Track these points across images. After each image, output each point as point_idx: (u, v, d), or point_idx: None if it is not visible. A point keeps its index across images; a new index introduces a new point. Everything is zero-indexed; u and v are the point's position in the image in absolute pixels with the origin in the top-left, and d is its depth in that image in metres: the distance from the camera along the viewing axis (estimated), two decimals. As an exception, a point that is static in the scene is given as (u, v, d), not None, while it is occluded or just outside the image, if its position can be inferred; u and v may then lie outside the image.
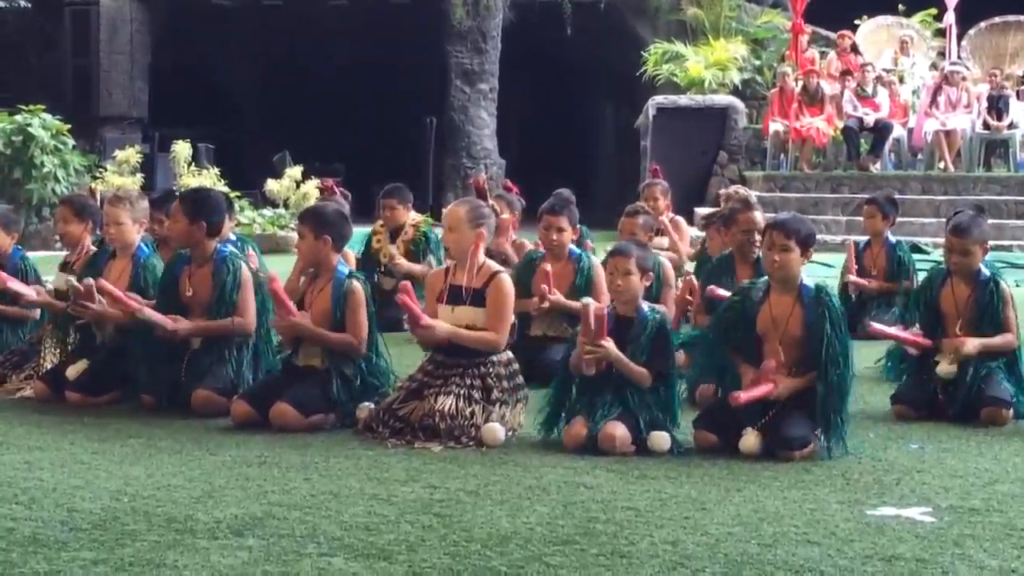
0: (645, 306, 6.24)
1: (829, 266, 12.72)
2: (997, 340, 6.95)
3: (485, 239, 6.54)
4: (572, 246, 8.27)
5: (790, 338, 6.08)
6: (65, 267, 7.92)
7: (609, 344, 6.03)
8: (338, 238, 6.77)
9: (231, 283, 7.01)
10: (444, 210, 6.76)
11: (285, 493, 5.18)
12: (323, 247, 6.70)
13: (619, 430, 5.95)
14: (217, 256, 7.09)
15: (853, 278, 9.95)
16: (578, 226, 8.44)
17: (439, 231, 10.48)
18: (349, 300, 6.66)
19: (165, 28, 22.74)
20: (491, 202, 8.30)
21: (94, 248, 7.84)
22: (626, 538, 4.59)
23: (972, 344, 6.88)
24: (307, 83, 26.05)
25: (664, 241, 10.78)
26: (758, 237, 7.48)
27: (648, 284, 6.31)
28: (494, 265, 6.58)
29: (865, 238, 10.41)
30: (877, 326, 7.40)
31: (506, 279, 6.50)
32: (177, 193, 7.55)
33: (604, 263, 6.71)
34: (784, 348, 6.09)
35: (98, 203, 8.56)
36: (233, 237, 8.50)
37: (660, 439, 6.01)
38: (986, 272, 7.07)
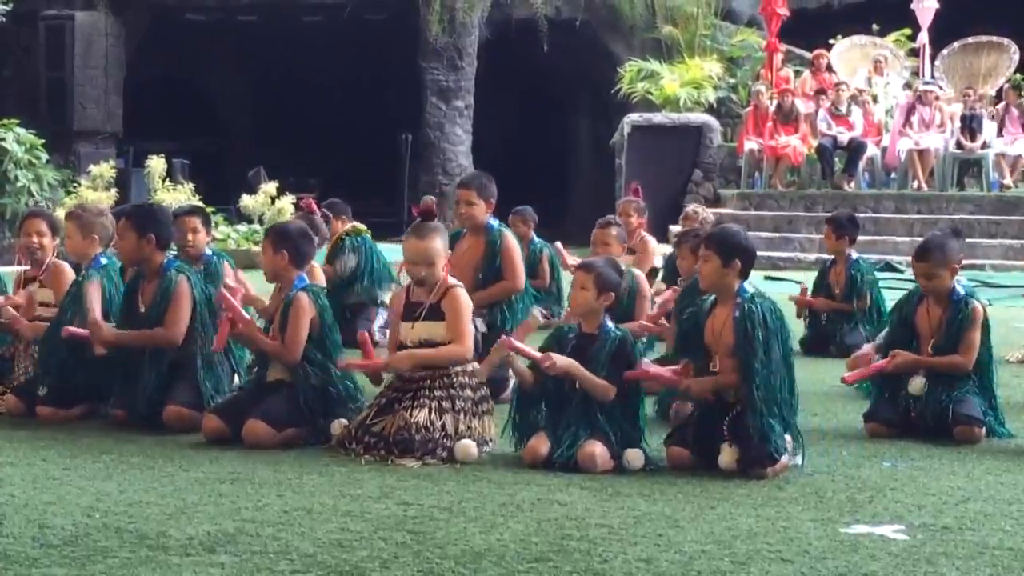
0: (609, 324, 6.25)
1: (799, 283, 12.74)
2: (943, 360, 6.93)
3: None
4: (492, 221, 8.09)
5: (726, 347, 6.11)
6: (30, 281, 7.83)
7: (558, 358, 6.04)
8: (296, 254, 6.78)
9: (168, 292, 7.01)
10: (403, 244, 6.72)
11: (258, 510, 5.16)
12: (280, 261, 6.76)
13: (598, 448, 5.93)
14: (163, 269, 7.11)
15: (803, 298, 10.11)
16: (493, 198, 8.15)
17: (367, 235, 10.58)
18: (290, 309, 6.68)
19: (140, 42, 22.68)
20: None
21: (61, 262, 7.79)
22: (600, 555, 4.59)
23: (920, 362, 6.91)
24: (283, 99, 26.03)
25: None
26: None
27: (608, 304, 6.25)
28: (451, 279, 6.60)
29: (831, 257, 10.52)
30: (850, 375, 7.20)
31: (461, 292, 6.54)
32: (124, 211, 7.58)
33: None
34: (721, 358, 6.12)
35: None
36: (209, 252, 8.48)
37: (634, 456, 6.01)
38: (960, 292, 7.08)
